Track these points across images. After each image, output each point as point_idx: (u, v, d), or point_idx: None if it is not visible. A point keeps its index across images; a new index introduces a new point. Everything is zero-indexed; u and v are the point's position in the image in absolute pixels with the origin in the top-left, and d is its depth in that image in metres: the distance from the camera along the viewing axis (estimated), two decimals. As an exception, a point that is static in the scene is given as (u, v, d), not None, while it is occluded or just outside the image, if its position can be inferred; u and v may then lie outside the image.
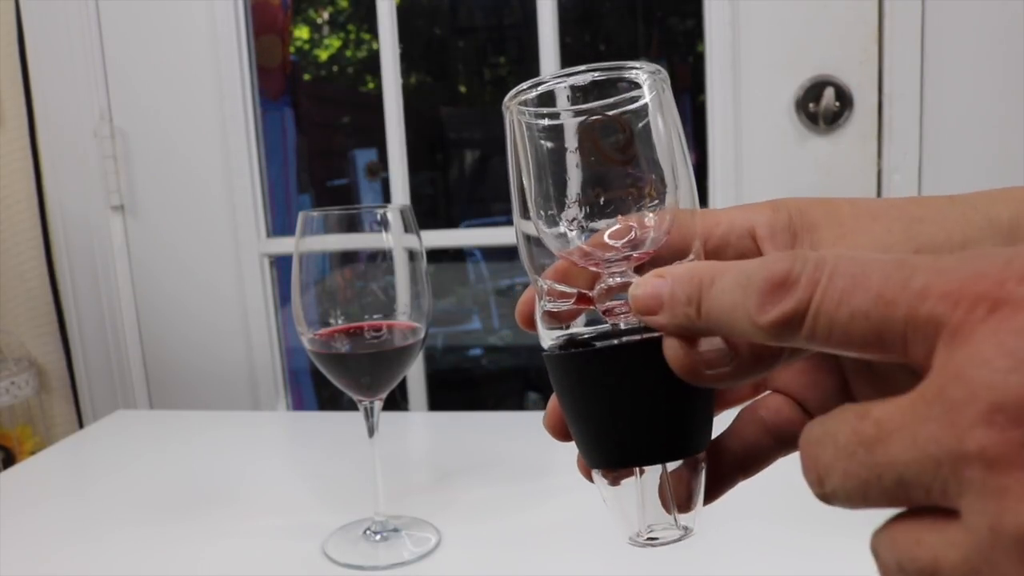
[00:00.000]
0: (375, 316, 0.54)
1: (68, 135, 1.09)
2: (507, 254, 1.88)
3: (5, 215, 1.13)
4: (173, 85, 1.07)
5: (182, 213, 1.09)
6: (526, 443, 0.78)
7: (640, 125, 0.24)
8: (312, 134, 1.74)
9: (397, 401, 1.20)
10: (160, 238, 1.11)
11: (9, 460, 1.10)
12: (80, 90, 1.07)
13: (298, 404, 1.34)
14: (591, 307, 0.25)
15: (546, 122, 0.24)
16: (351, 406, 0.58)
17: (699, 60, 0.96)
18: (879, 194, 0.92)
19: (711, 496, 0.27)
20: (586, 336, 0.24)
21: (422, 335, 0.55)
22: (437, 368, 1.82)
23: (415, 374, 1.11)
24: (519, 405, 1.71)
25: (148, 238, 1.11)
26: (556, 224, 0.24)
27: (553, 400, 0.26)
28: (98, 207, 1.10)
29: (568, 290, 0.25)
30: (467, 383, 1.83)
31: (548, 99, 0.24)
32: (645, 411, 0.23)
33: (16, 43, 1.08)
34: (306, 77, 1.91)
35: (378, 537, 0.58)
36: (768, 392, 0.28)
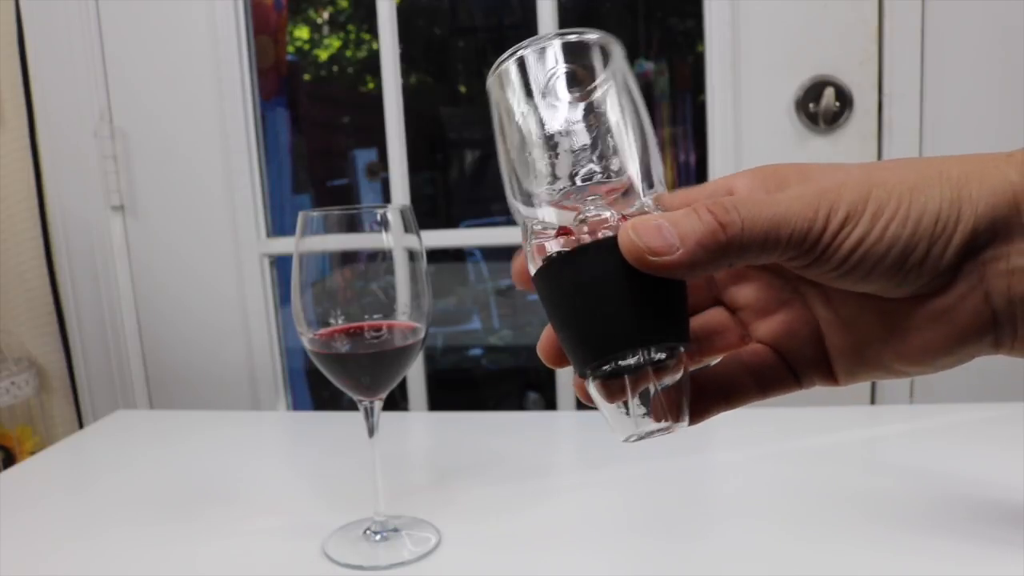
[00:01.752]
0: (375, 316, 0.54)
1: (68, 135, 1.09)
2: (507, 254, 1.87)
3: (5, 215, 1.13)
4: (173, 85, 1.07)
5: (182, 213, 1.09)
6: (526, 443, 0.77)
7: (598, 82, 0.28)
8: (312, 134, 1.74)
9: (397, 401, 1.20)
10: (160, 238, 1.11)
11: (9, 460, 1.10)
12: (80, 90, 1.07)
13: (296, 405, 1.34)
14: (571, 237, 0.28)
15: (521, 90, 0.28)
16: (351, 406, 0.58)
17: (699, 60, 0.96)
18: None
19: (696, 416, 0.29)
20: (560, 251, 0.27)
21: (422, 335, 0.55)
22: (437, 368, 1.82)
23: (415, 374, 1.11)
24: (519, 405, 1.71)
25: (148, 238, 1.11)
26: (538, 175, 0.28)
27: (546, 329, 0.29)
28: (98, 207, 1.10)
29: (551, 227, 0.28)
30: (467, 383, 1.83)
31: (522, 65, 0.28)
32: (614, 300, 0.26)
33: (16, 43, 1.08)
34: (306, 77, 1.91)
35: (378, 537, 0.58)
36: (753, 343, 0.31)
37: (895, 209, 0.25)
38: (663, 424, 0.27)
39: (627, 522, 0.60)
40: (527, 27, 1.03)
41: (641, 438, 0.27)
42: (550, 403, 1.32)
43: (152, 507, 0.66)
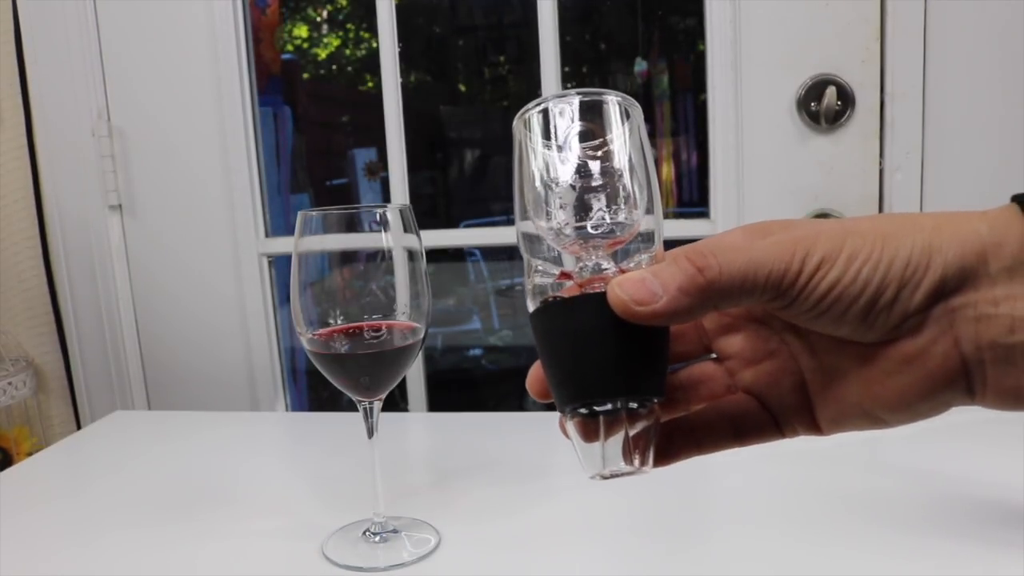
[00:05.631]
0: (374, 316, 0.54)
1: (66, 134, 1.08)
2: (507, 254, 1.87)
3: (3, 215, 1.12)
4: (171, 84, 1.06)
5: (180, 213, 1.09)
6: (526, 443, 0.77)
7: (613, 140, 0.30)
8: (311, 133, 1.74)
9: (397, 401, 1.19)
10: (158, 238, 1.10)
11: (6, 461, 1.10)
12: (78, 89, 1.07)
13: (296, 405, 1.34)
14: (570, 280, 0.30)
15: (542, 137, 0.30)
16: (351, 406, 0.58)
17: (700, 59, 0.96)
18: (881, 193, 0.92)
19: (665, 459, 0.31)
20: (557, 296, 0.30)
21: (422, 335, 0.54)
22: (437, 368, 1.81)
23: (415, 374, 1.11)
24: (519, 405, 1.71)
25: (146, 238, 1.11)
26: (548, 218, 0.30)
27: (536, 363, 0.31)
28: (96, 207, 1.09)
29: (552, 268, 0.30)
30: (467, 383, 1.83)
31: (545, 116, 0.30)
32: (598, 352, 0.28)
33: (13, 42, 1.07)
34: (305, 76, 1.91)
35: (377, 538, 0.58)
36: (737, 393, 0.33)
37: (868, 253, 0.26)
38: (629, 467, 0.29)
39: (627, 522, 0.60)
40: (527, 26, 1.03)
41: (606, 477, 0.29)
42: (550, 404, 1.32)
43: (150, 508, 0.66)
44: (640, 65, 1.55)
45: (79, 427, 1.15)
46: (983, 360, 0.26)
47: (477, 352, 1.85)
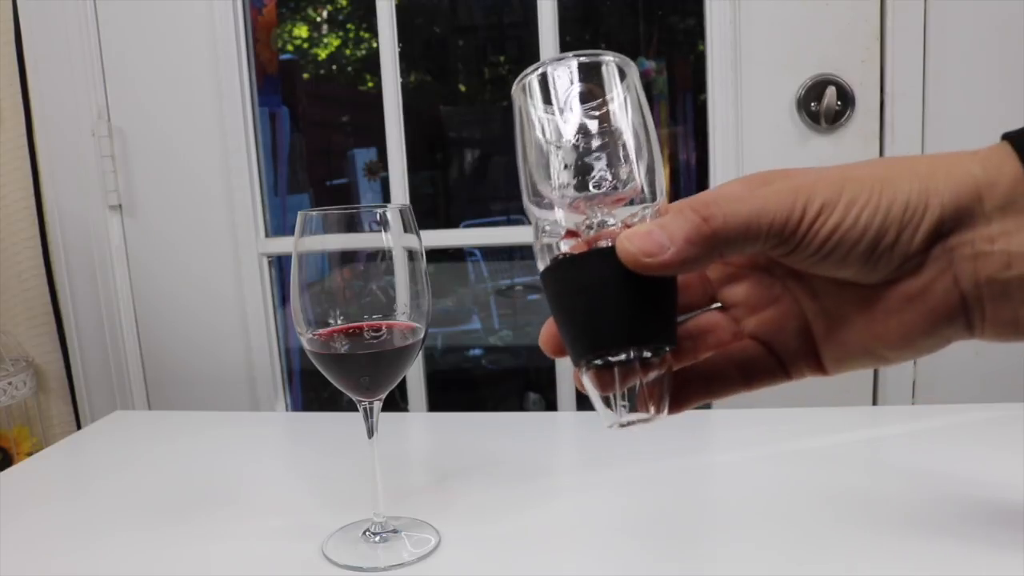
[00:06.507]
0: (374, 316, 0.54)
1: (66, 134, 1.08)
2: (507, 254, 1.87)
3: (3, 215, 1.12)
4: (172, 84, 1.06)
5: (180, 213, 1.09)
6: (526, 443, 0.77)
7: (612, 100, 0.30)
8: (311, 133, 1.74)
9: (397, 402, 1.19)
10: (158, 238, 1.10)
11: (6, 461, 1.10)
12: (78, 89, 1.07)
13: (295, 405, 1.34)
14: (577, 239, 0.30)
15: (542, 102, 0.31)
16: (351, 406, 0.58)
17: (700, 59, 0.96)
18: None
19: (677, 406, 0.31)
20: (567, 253, 0.30)
21: (422, 335, 0.54)
22: (437, 368, 1.82)
23: (415, 374, 1.11)
24: (519, 405, 1.71)
25: (146, 238, 1.11)
26: (552, 179, 0.30)
27: (548, 321, 0.31)
28: (96, 207, 1.09)
29: (559, 228, 0.31)
30: (467, 383, 1.83)
31: (544, 80, 0.30)
32: (610, 304, 0.28)
33: (13, 42, 1.07)
34: (305, 76, 1.91)
35: (377, 538, 0.58)
36: (744, 339, 0.33)
37: (867, 199, 0.27)
38: (644, 415, 0.29)
39: (627, 523, 0.60)
40: (527, 26, 1.03)
41: (624, 426, 0.30)
42: (550, 404, 1.32)
43: (150, 509, 0.66)
44: (641, 65, 1.55)
45: (79, 427, 1.15)
46: (981, 296, 0.27)
47: (477, 352, 1.84)
